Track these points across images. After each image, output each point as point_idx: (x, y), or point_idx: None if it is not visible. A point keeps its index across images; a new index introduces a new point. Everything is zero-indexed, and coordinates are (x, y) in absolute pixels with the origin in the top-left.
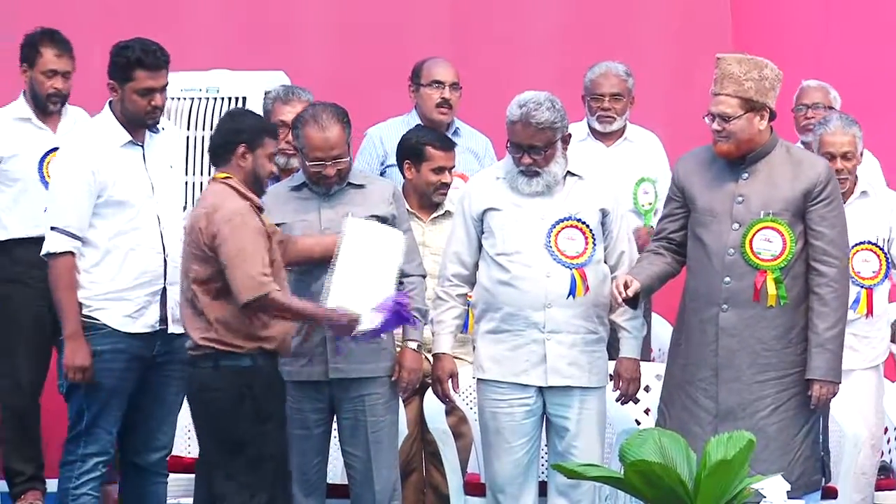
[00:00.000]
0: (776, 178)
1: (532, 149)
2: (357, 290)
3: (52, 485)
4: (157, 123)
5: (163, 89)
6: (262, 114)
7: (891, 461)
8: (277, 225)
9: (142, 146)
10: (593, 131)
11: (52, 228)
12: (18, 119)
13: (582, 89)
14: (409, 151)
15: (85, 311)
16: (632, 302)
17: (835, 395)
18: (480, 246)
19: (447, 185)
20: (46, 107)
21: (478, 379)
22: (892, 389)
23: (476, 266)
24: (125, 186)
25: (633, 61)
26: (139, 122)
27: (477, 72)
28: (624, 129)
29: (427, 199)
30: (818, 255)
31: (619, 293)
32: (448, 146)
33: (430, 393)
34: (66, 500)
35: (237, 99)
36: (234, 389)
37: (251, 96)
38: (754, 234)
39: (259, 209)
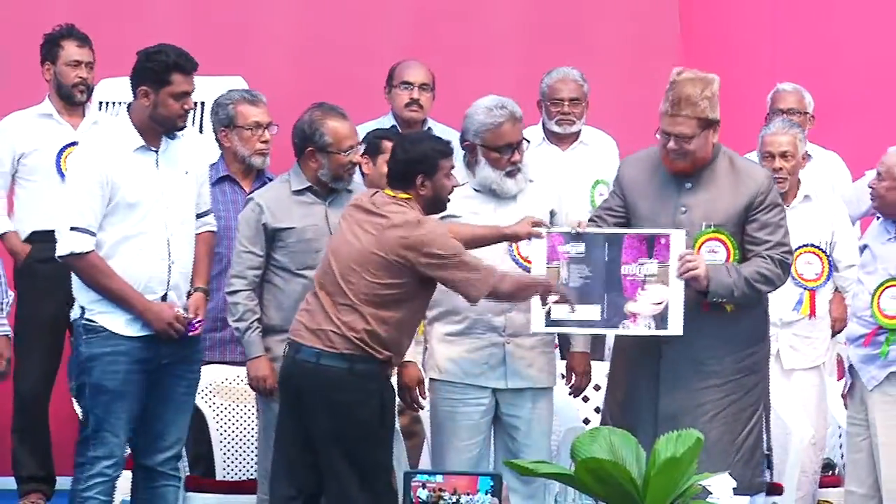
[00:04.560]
0: (718, 189)
1: (519, 144)
2: None
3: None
4: (184, 127)
5: (192, 93)
6: (214, 117)
7: (835, 459)
8: (286, 229)
9: (156, 151)
10: (549, 135)
11: (73, 229)
12: (41, 115)
13: (537, 95)
14: (367, 147)
15: (87, 315)
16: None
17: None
18: None
19: None
20: (73, 96)
21: (432, 379)
22: (835, 389)
23: None
24: (135, 190)
25: (584, 66)
26: (172, 126)
27: (439, 75)
28: (579, 134)
29: None
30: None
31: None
32: None
33: None
34: (75, 502)
35: (196, 104)
36: (372, 394)
37: (210, 101)
38: (699, 247)
39: None
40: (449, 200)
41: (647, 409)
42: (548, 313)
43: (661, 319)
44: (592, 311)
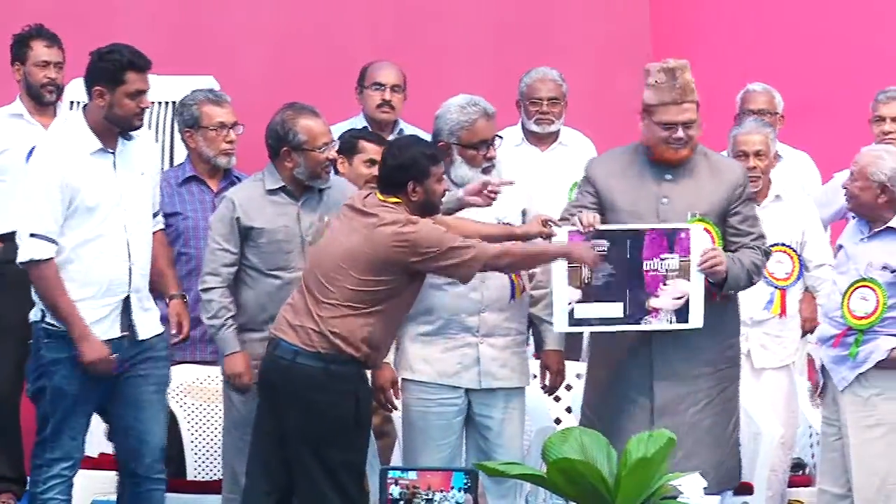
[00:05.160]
0: (698, 180)
1: (493, 140)
2: None
3: None
4: (141, 127)
5: (147, 91)
6: (179, 117)
7: (805, 458)
8: (257, 229)
9: (113, 153)
10: (528, 135)
11: (32, 235)
12: (11, 115)
13: (514, 95)
14: (343, 146)
15: (48, 318)
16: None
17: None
18: None
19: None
20: (42, 97)
21: (404, 379)
22: (805, 388)
23: None
24: (94, 194)
25: (555, 67)
26: (128, 125)
27: (409, 77)
28: (558, 134)
29: None
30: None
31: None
32: (381, 141)
33: None
34: None
35: (166, 103)
36: (347, 396)
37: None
38: None
39: None
40: (441, 204)
41: (641, 400)
42: (570, 313)
43: (681, 313)
44: (615, 309)
